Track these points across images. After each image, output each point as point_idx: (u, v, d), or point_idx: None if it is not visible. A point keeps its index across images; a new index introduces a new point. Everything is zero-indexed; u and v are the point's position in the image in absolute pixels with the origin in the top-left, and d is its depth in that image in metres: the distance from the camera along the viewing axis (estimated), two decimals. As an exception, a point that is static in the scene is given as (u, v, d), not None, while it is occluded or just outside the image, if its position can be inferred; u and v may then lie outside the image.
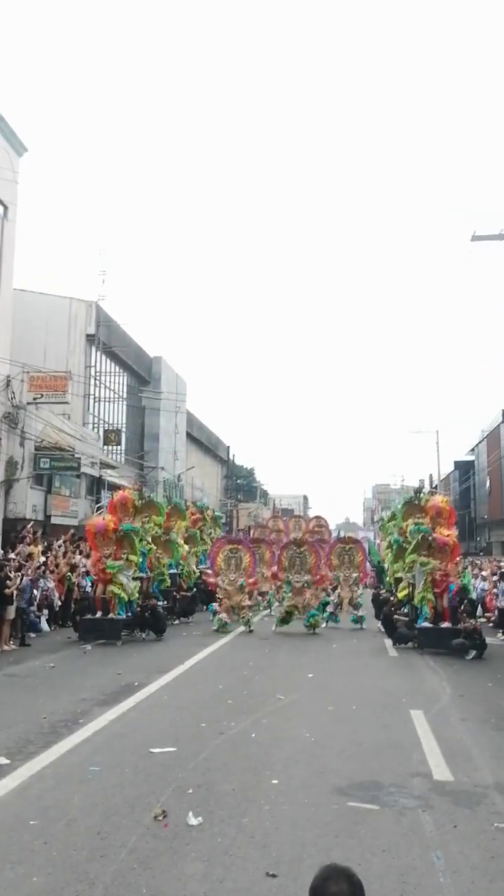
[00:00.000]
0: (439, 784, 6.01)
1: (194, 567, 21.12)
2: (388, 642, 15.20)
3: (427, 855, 4.59)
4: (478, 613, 17.36)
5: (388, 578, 18.78)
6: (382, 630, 16.16)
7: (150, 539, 17.03)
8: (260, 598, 19.87)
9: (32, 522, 21.78)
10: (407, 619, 15.24)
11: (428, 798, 5.65)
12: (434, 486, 57.56)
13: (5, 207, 24.78)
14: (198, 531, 22.22)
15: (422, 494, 19.06)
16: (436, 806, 5.47)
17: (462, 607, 14.79)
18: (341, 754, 6.85)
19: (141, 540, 16.29)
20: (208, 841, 4.71)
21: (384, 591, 19.01)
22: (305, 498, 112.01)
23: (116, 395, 38.76)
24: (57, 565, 17.88)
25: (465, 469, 63.49)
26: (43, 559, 17.68)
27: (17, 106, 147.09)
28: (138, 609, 15.43)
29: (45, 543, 19.97)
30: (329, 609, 18.13)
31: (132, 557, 15.45)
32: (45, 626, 15.99)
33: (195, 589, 20.08)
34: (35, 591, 15.47)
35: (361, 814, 5.28)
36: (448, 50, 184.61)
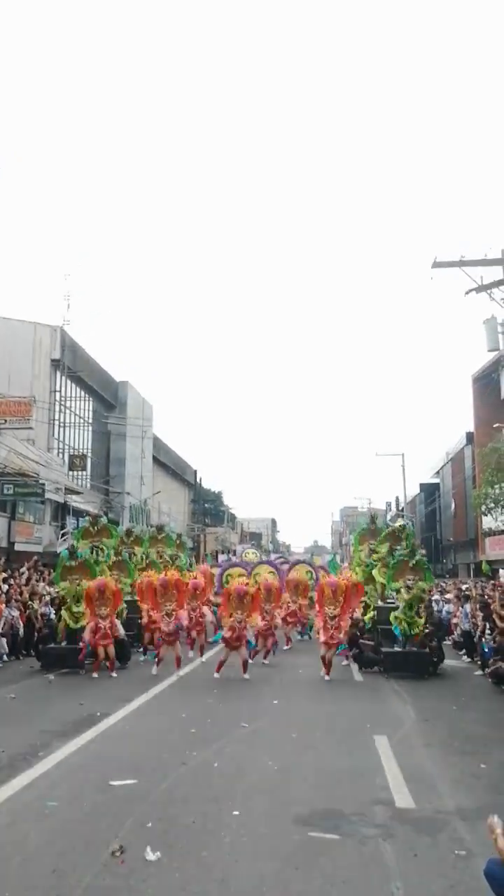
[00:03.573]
0: (401, 811, 5.99)
1: None
2: (355, 666, 15.16)
3: (387, 885, 4.56)
4: (444, 635, 17.48)
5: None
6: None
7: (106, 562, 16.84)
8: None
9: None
10: (373, 643, 15.24)
11: (389, 826, 5.63)
12: (400, 508, 57.94)
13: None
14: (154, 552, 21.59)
15: (382, 521, 19.26)
16: (397, 834, 5.45)
17: (428, 630, 14.85)
18: (304, 783, 6.80)
19: (97, 562, 16.15)
20: (166, 876, 4.63)
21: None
22: (274, 521, 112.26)
23: (82, 420, 38.58)
24: (20, 593, 17.62)
25: (430, 491, 64.09)
26: (6, 587, 17.42)
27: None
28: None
29: (9, 571, 19.67)
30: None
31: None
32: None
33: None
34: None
35: (322, 844, 5.24)
36: (430, 81, 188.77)
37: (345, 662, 14.70)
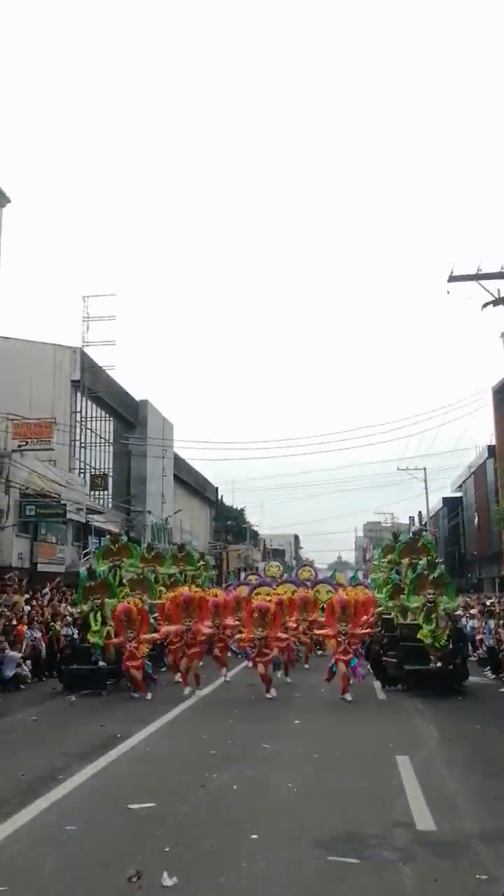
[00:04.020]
0: (422, 834, 5.91)
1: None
2: (377, 684, 15.04)
3: (406, 911, 4.49)
4: (469, 651, 17.27)
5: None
6: (370, 672, 15.97)
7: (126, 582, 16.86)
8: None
9: (16, 571, 21.61)
10: (395, 660, 15.09)
11: (410, 850, 5.55)
12: (423, 523, 57.59)
13: (-12, 257, 25.05)
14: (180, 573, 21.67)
15: (405, 537, 19.16)
16: (417, 858, 5.37)
17: (451, 646, 14.69)
18: (324, 805, 6.73)
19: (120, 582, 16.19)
20: (183, 902, 4.60)
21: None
22: (296, 538, 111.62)
23: (103, 440, 38.81)
24: (42, 614, 17.70)
25: (453, 505, 63.62)
26: (28, 608, 17.52)
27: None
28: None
29: (30, 592, 19.79)
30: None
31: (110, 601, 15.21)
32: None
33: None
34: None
35: (342, 868, 5.18)
36: (445, 49, 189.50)
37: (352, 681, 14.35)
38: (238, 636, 14.90)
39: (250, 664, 13.73)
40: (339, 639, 13.55)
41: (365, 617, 14.37)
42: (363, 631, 14.18)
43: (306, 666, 18.04)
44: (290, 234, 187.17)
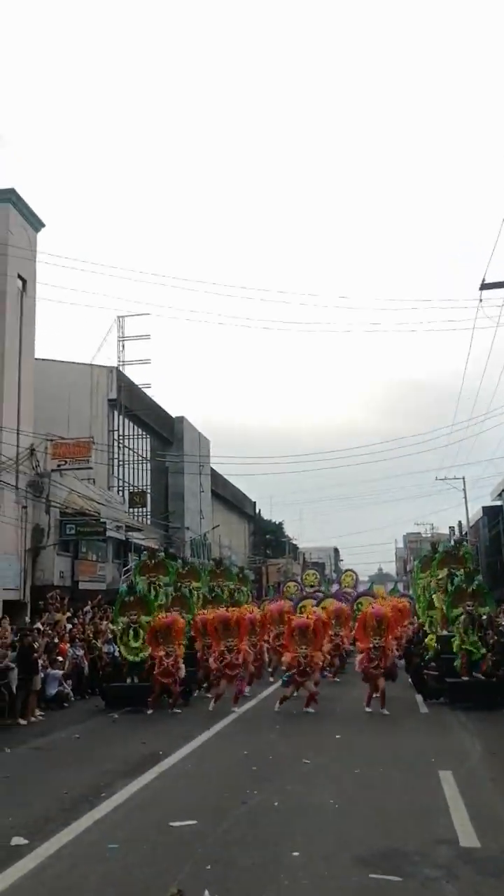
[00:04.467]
0: (465, 851, 5.84)
1: None
2: (419, 698, 14.90)
3: (449, 929, 4.45)
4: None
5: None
6: (411, 684, 15.83)
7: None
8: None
9: (57, 590, 21.84)
10: (437, 673, 14.94)
11: (453, 867, 5.49)
12: (464, 533, 56.92)
13: (24, 282, 25.53)
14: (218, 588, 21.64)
15: (442, 546, 19.00)
16: (461, 875, 5.31)
17: (495, 658, 14.51)
18: (366, 822, 6.69)
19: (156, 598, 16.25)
20: (224, 921, 4.61)
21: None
22: (336, 550, 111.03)
23: (140, 458, 39.13)
24: (83, 632, 17.88)
25: (493, 514, 62.63)
26: (69, 626, 17.71)
27: (32, 179, 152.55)
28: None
29: (72, 610, 19.99)
30: None
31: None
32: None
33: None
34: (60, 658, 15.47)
35: (383, 886, 5.14)
36: (445, 44, 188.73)
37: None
38: (284, 659, 14.60)
39: (290, 688, 13.62)
40: (372, 655, 13.41)
41: (400, 629, 14.29)
42: (395, 646, 14.12)
43: (337, 680, 17.94)
44: (323, 242, 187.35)
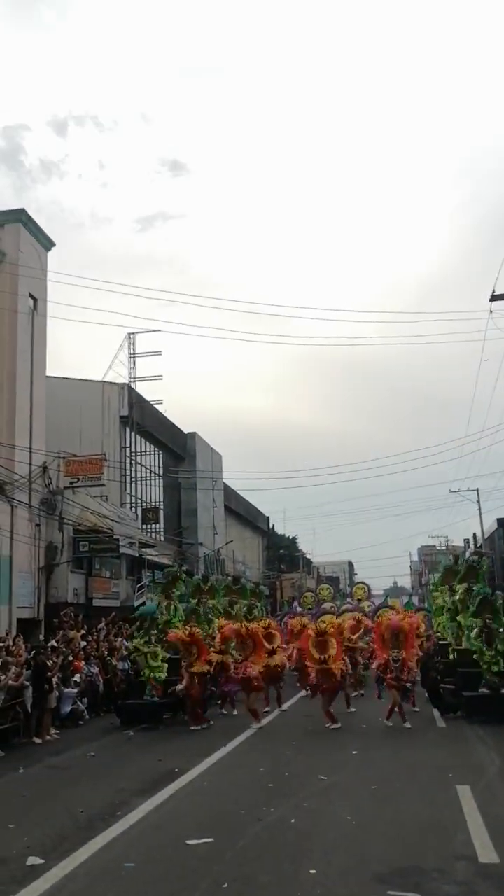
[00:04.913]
0: (484, 867, 5.78)
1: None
2: (436, 712, 14.77)
3: None
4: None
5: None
6: (428, 699, 15.69)
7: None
8: None
9: (71, 607, 21.86)
10: (454, 687, 14.81)
11: (472, 883, 5.43)
12: (479, 545, 56.59)
13: (35, 301, 25.74)
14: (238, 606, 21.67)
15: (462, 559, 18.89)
16: (479, 891, 5.26)
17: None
18: (383, 838, 6.63)
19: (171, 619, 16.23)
20: (241, 939, 4.58)
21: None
22: (351, 564, 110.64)
23: (152, 474, 39.21)
24: (98, 649, 17.85)
25: (508, 526, 62.26)
26: (84, 643, 17.69)
27: (41, 197, 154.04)
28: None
29: (86, 627, 19.98)
30: None
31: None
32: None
33: None
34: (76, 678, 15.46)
35: (401, 903, 5.10)
36: (445, 41, 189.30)
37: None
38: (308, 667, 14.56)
39: (308, 692, 13.69)
40: (392, 666, 13.38)
41: (417, 642, 14.21)
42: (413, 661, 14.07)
43: (362, 693, 17.79)
44: (331, 256, 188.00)
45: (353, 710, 15.03)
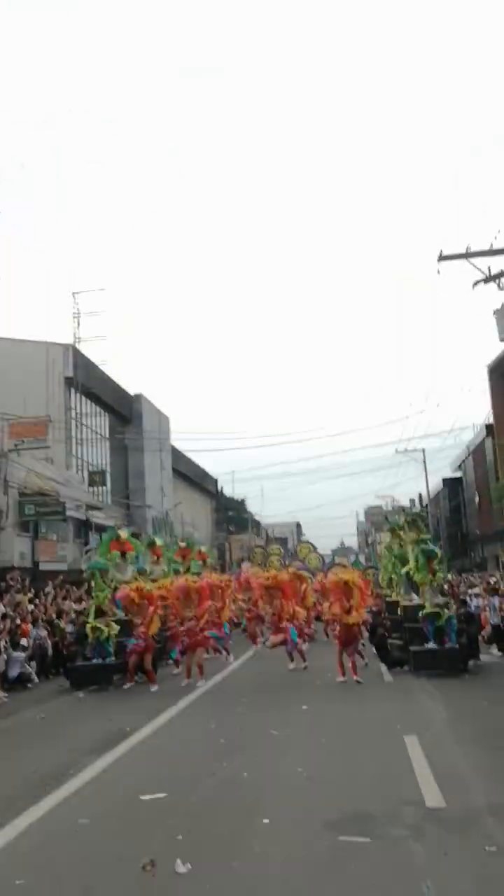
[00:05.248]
0: (431, 811, 5.96)
1: None
2: (383, 667, 15.11)
3: (418, 886, 4.52)
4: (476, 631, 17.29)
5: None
6: (376, 655, 16.05)
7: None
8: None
9: (17, 571, 21.64)
10: (401, 642, 15.16)
11: (419, 826, 5.59)
12: (424, 504, 57.69)
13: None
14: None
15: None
16: (427, 834, 5.42)
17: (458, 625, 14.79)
18: (333, 788, 6.78)
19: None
20: (197, 888, 4.64)
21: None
22: (298, 525, 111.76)
23: (98, 436, 38.80)
24: (46, 612, 17.75)
25: (453, 486, 63.69)
26: (31, 607, 17.56)
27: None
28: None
29: (33, 591, 19.82)
30: None
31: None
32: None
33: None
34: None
35: (352, 848, 5.22)
36: (445, 47, 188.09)
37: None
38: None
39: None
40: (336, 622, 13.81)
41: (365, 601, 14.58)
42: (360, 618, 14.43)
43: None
44: (282, 219, 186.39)
45: (306, 664, 15.33)
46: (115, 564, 16.39)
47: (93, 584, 15.59)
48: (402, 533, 17.48)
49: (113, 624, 14.81)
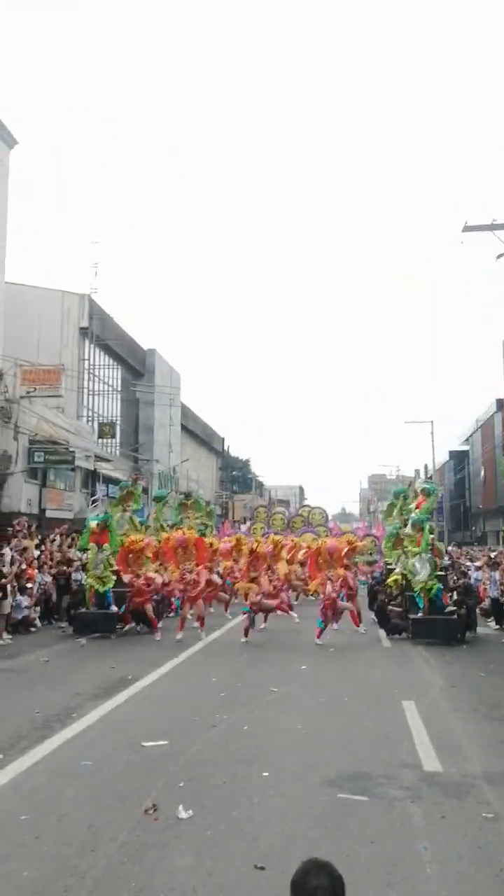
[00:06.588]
0: (429, 775, 6.06)
1: None
2: (382, 633, 15.25)
3: (414, 846, 4.63)
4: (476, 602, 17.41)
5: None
6: (375, 621, 16.19)
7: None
8: None
9: (24, 517, 21.79)
10: (400, 609, 15.29)
11: (417, 789, 5.70)
12: (429, 475, 57.67)
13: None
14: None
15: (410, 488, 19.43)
16: (425, 797, 5.52)
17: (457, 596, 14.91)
18: (332, 746, 6.89)
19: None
20: (198, 834, 4.75)
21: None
22: (301, 489, 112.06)
23: (110, 388, 38.75)
24: (52, 559, 17.91)
25: (459, 459, 63.68)
26: (37, 553, 17.71)
27: (6, 97, 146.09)
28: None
29: (40, 537, 19.97)
30: None
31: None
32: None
33: None
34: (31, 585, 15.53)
35: (351, 805, 5.33)
36: (444, 53, 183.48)
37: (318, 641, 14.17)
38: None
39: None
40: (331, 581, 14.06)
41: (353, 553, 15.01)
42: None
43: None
44: (294, 185, 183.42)
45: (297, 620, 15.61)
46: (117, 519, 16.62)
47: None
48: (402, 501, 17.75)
49: (110, 575, 15.03)
